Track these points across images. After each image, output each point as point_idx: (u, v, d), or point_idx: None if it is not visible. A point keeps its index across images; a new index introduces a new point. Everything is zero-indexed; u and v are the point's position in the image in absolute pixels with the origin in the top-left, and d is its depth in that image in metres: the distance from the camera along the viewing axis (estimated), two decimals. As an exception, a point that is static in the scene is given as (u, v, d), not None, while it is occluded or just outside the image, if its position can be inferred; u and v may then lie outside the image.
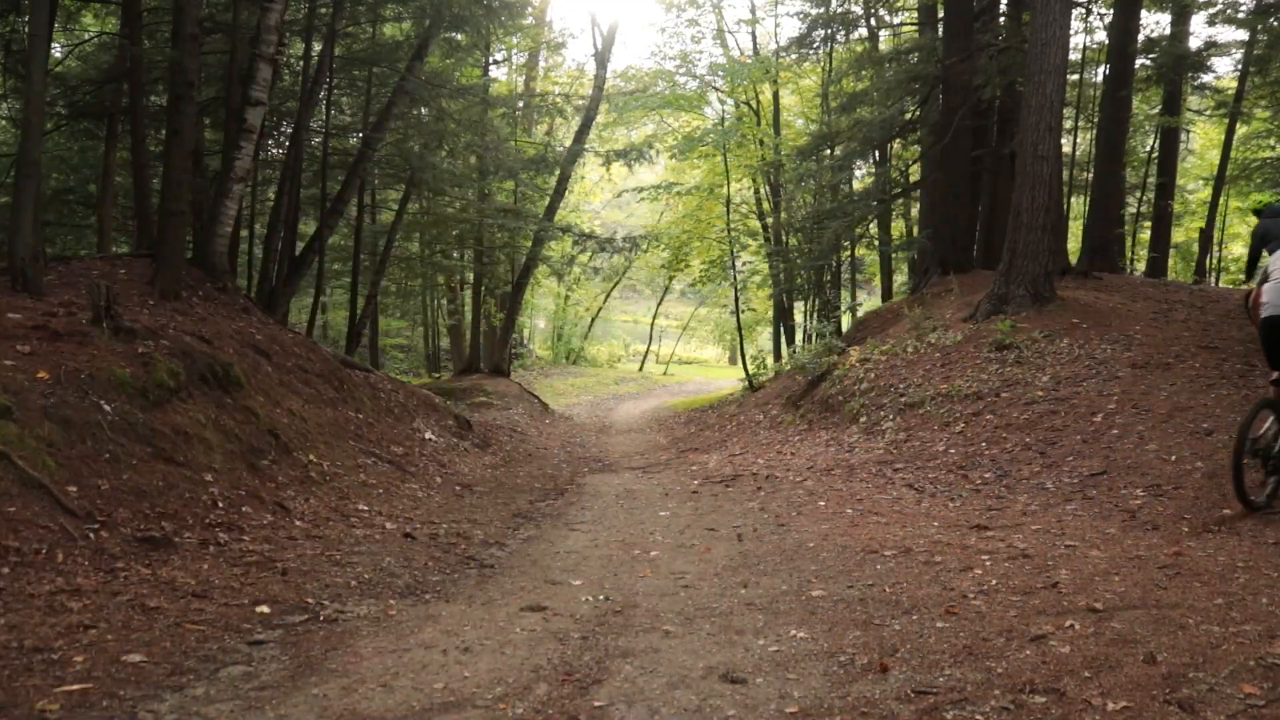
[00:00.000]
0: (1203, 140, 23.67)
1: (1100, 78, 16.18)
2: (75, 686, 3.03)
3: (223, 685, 3.19)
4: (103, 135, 11.73)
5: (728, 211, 19.29)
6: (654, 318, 34.91)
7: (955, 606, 4.01)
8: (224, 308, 8.83)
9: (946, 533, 5.65)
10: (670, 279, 30.75)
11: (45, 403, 5.02)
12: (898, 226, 21.69)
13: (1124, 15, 13.56)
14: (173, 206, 8.41)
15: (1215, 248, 19.47)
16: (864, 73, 17.52)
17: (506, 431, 13.20)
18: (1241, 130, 18.55)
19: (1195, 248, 19.81)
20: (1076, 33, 16.23)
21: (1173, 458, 6.59)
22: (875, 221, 18.89)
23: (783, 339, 20.44)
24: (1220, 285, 17.58)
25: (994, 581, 4.36)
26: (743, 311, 21.71)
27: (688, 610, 4.22)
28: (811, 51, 19.30)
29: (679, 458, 11.32)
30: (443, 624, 4.01)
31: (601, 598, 4.50)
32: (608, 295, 34.21)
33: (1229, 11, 15.22)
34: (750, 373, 17.19)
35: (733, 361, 37.23)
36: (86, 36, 13.63)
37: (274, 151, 14.67)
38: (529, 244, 19.81)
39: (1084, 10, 15.96)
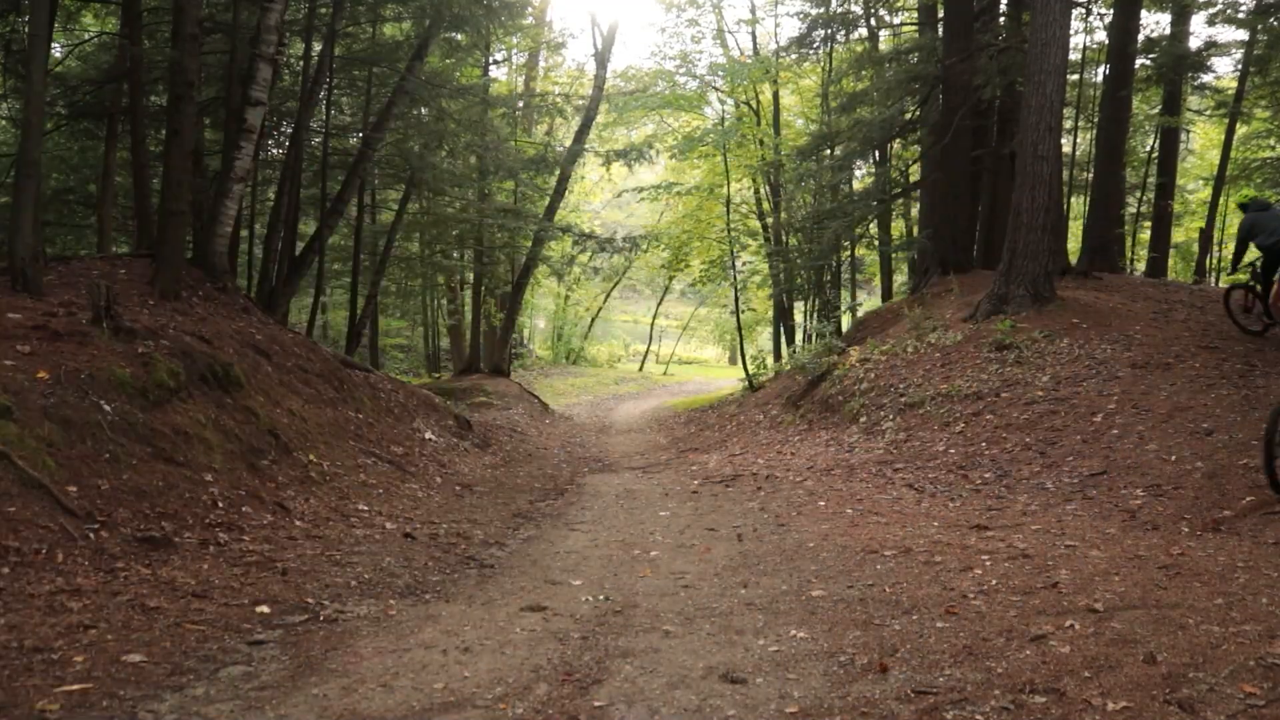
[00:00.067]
0: (1203, 140, 23.67)
1: (1100, 78, 16.19)
2: (75, 686, 3.03)
3: (223, 685, 3.19)
4: (103, 135, 11.73)
5: (728, 211, 19.29)
6: (654, 318, 34.91)
7: (955, 606, 4.01)
8: (224, 308, 8.83)
9: (946, 533, 5.64)
10: (670, 279, 30.75)
11: (45, 403, 5.02)
12: (898, 226, 21.69)
13: (1124, 15, 13.56)
14: (173, 206, 8.42)
15: (1215, 248, 19.45)
16: (864, 73, 17.52)
17: (506, 431, 13.19)
18: (1241, 130, 18.57)
19: (1195, 248, 19.82)
20: (1076, 33, 16.28)
21: (1173, 458, 6.60)
22: (875, 221, 18.89)
23: (783, 339, 20.44)
24: (1220, 285, 17.56)
25: (994, 581, 4.36)
26: (743, 311, 21.71)
27: (688, 610, 4.22)
28: (811, 51, 19.30)
29: (679, 458, 11.32)
30: (443, 624, 4.01)
31: (601, 598, 4.50)
32: (608, 295, 34.20)
33: (1229, 11, 15.25)
34: (750, 373, 17.19)
35: (733, 361, 37.23)
36: (86, 36, 13.63)
37: (274, 151, 14.67)
38: (529, 244, 19.81)
39: (1084, 10, 15.97)
